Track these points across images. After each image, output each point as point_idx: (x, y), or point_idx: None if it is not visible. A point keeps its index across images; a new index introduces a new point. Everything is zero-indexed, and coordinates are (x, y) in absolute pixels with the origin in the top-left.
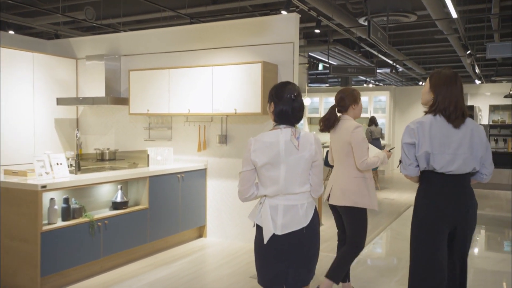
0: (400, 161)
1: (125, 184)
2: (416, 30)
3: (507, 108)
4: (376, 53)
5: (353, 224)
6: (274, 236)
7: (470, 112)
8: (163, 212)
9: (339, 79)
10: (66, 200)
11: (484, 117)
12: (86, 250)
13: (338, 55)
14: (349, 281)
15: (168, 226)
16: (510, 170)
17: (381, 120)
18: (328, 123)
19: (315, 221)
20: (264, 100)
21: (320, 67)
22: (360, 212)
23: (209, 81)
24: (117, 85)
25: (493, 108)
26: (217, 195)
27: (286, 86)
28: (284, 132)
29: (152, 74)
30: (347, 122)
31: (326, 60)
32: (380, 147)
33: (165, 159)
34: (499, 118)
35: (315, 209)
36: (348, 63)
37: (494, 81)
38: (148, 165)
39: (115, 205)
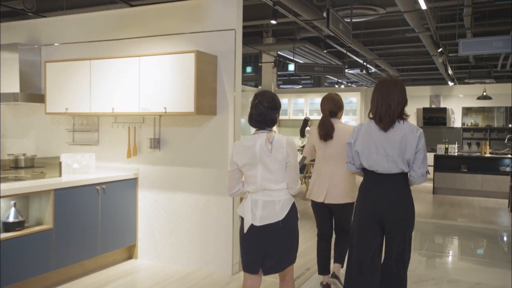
0: None
1: (24, 199)
2: (388, 29)
3: (480, 111)
4: (345, 51)
5: (349, 216)
6: (252, 227)
7: (442, 114)
8: (75, 232)
9: (312, 81)
10: None
11: (457, 120)
12: None
13: (308, 54)
14: (329, 273)
15: (82, 248)
16: (482, 175)
17: (352, 122)
18: (329, 131)
19: (291, 216)
20: (198, 97)
21: (291, 67)
22: (353, 205)
23: (136, 75)
24: (37, 79)
25: (466, 111)
26: (150, 210)
27: (260, 93)
28: (261, 136)
29: (71, 66)
30: (344, 126)
31: (293, 59)
32: None
33: (85, 167)
34: (472, 121)
35: (293, 205)
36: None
37: (468, 83)
38: (60, 175)
39: (7, 226)
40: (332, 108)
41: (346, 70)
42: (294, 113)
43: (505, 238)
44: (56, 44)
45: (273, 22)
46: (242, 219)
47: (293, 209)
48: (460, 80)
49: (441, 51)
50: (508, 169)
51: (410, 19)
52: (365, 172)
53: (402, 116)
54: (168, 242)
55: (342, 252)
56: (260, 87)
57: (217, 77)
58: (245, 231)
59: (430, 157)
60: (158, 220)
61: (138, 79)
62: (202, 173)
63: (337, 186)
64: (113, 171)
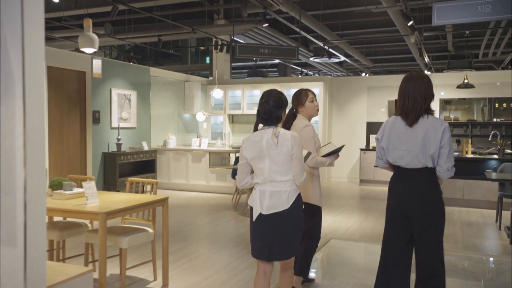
0: None
1: None
2: (352, 9)
3: (461, 103)
4: (298, 30)
5: (311, 219)
6: (260, 215)
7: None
8: None
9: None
10: None
11: (435, 114)
12: None
13: (265, 39)
14: (307, 277)
15: None
16: (463, 181)
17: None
18: (284, 126)
19: (296, 206)
20: None
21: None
22: (312, 207)
23: None
24: None
25: (445, 103)
26: None
27: (266, 92)
28: (267, 132)
29: None
30: (298, 122)
31: (233, 39)
32: None
33: None
34: (451, 116)
35: (298, 196)
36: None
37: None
38: None
39: None
40: (292, 102)
41: (311, 58)
42: (249, 107)
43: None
44: None
45: None
46: (251, 208)
47: (298, 200)
48: (438, 72)
49: (412, 25)
50: (494, 175)
51: None
52: (393, 166)
53: (429, 111)
54: None
55: (300, 262)
56: (211, 78)
57: None
58: (254, 219)
59: None
60: None
61: None
62: None
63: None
64: None
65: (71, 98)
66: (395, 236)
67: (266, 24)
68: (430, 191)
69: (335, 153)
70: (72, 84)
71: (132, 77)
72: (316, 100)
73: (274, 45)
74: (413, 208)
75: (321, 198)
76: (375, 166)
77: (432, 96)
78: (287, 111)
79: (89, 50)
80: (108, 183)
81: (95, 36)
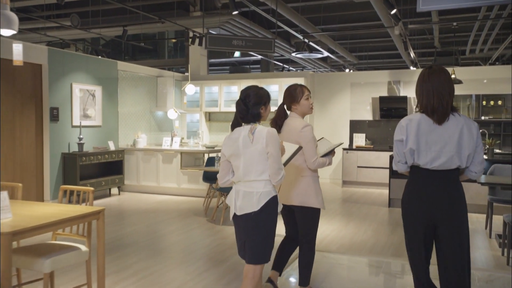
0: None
1: None
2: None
3: None
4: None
5: (304, 224)
6: (235, 215)
7: (402, 105)
8: None
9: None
10: None
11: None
12: None
13: (246, 34)
14: (280, 272)
15: None
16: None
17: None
18: (276, 123)
19: (267, 209)
20: None
21: (237, 53)
22: (311, 211)
23: None
24: None
25: None
26: None
27: (244, 89)
28: (245, 128)
29: None
30: (294, 121)
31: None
32: None
33: None
34: None
35: (272, 199)
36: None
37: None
38: None
39: None
40: (284, 100)
41: (293, 54)
42: (226, 104)
43: None
44: None
45: None
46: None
47: (271, 203)
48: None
49: (396, 14)
50: (483, 178)
51: None
52: (415, 170)
53: (453, 107)
54: None
55: (301, 264)
56: (186, 73)
57: None
58: (230, 219)
59: (386, 158)
60: None
61: None
62: None
63: (287, 186)
64: None
65: (24, 93)
66: (420, 246)
67: (236, 12)
68: (461, 194)
69: (332, 151)
70: (26, 78)
71: (97, 72)
72: (311, 97)
73: (248, 36)
74: (444, 213)
75: (322, 200)
76: (394, 171)
77: (454, 91)
78: (271, 107)
79: (6, 32)
80: None
81: (13, 15)
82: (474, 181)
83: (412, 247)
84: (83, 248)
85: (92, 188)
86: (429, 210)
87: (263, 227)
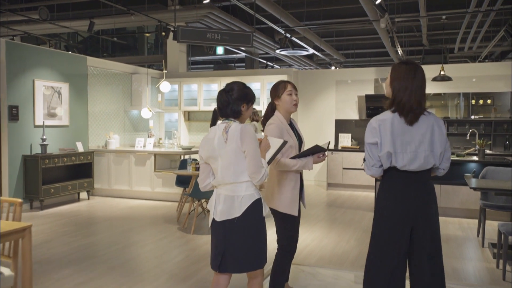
0: (364, 160)
1: None
2: None
3: (436, 99)
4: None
5: (276, 227)
6: (214, 221)
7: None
8: None
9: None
10: None
11: None
12: None
13: (225, 27)
14: (287, 281)
15: None
16: (439, 186)
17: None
18: (266, 119)
19: (252, 214)
20: None
21: (220, 50)
22: (280, 214)
23: None
24: None
25: None
26: None
27: (229, 83)
28: (220, 127)
29: None
30: (271, 118)
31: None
32: None
33: None
34: None
35: (255, 202)
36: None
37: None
38: None
39: None
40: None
41: (277, 51)
42: (206, 103)
43: None
44: None
45: None
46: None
47: (255, 207)
48: None
49: (380, 4)
50: (474, 181)
51: None
52: (392, 173)
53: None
54: None
55: (272, 276)
56: (165, 71)
57: None
58: (209, 225)
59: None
60: None
61: None
62: None
63: (266, 188)
64: None
65: None
66: (397, 251)
67: (207, 1)
68: (434, 193)
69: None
70: None
71: (63, 67)
72: (296, 94)
73: (224, 29)
74: (423, 214)
75: (293, 205)
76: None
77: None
78: (260, 107)
79: None
80: (29, 191)
81: None
82: (465, 184)
83: (382, 255)
84: (7, 272)
85: (20, 200)
86: (410, 212)
87: (251, 231)
